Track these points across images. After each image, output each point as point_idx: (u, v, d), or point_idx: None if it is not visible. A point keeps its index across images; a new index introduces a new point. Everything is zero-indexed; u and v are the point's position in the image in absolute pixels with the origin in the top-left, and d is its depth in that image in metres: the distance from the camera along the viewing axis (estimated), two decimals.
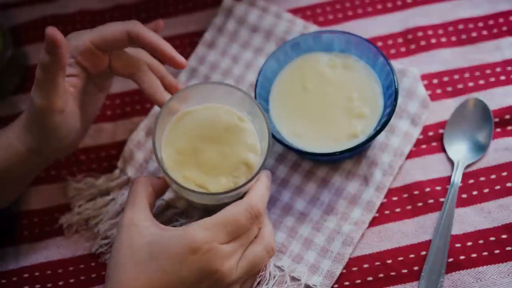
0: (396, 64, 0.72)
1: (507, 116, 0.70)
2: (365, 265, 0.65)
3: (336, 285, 0.65)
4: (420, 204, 0.67)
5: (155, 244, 0.57)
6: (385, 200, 0.68)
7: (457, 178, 0.67)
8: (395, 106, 0.64)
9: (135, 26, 0.62)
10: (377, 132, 0.64)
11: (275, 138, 0.64)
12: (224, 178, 0.62)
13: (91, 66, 0.63)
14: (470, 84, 0.72)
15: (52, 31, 0.56)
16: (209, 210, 0.63)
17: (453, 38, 0.74)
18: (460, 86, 0.72)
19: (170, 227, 0.58)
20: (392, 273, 0.64)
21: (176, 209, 0.69)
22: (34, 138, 0.61)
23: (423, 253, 0.65)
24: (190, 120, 0.64)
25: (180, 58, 0.64)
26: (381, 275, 0.65)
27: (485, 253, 0.64)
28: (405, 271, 0.65)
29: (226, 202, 0.60)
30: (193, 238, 0.56)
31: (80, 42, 0.63)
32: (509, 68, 0.72)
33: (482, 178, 0.68)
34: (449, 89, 0.72)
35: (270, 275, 0.64)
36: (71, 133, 0.62)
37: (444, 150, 0.69)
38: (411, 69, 0.72)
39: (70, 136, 0.63)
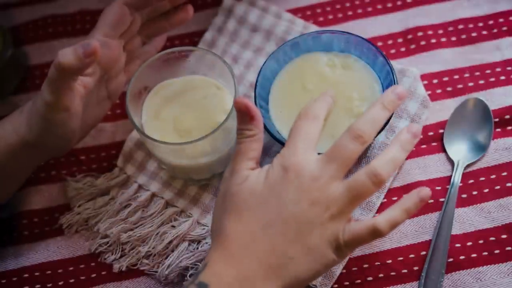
0: (396, 64, 0.72)
1: (507, 116, 0.70)
2: (365, 265, 0.65)
3: (336, 285, 0.65)
4: None
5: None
6: (385, 200, 0.68)
7: (457, 178, 0.67)
8: None
9: None
10: (377, 132, 0.64)
11: (275, 138, 0.64)
12: (200, 142, 0.62)
13: (109, 61, 0.64)
14: (470, 84, 0.72)
15: (95, 45, 0.56)
16: (193, 180, 0.68)
17: (453, 38, 0.74)
18: (460, 86, 0.72)
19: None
20: (392, 273, 0.65)
21: (176, 208, 0.69)
22: (32, 130, 0.61)
23: (423, 253, 0.65)
24: (169, 91, 0.67)
25: None
26: (381, 275, 0.65)
27: (485, 253, 0.64)
28: (405, 271, 0.65)
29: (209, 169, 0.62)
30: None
31: (109, 11, 0.64)
32: (509, 68, 0.72)
33: (482, 178, 0.68)
34: (449, 89, 0.72)
35: None
36: (69, 133, 0.62)
37: (444, 150, 0.69)
38: (411, 69, 0.72)
39: (67, 135, 0.62)
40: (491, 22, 0.75)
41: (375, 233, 0.54)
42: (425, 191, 0.55)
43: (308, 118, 0.58)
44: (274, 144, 0.70)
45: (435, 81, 0.72)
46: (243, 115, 0.57)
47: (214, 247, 0.55)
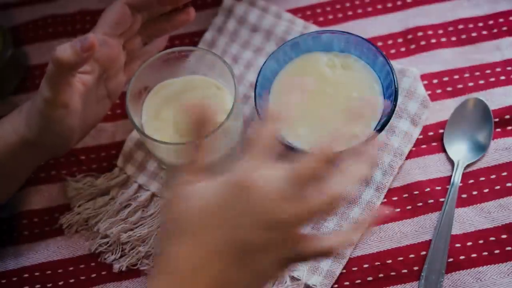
0: (396, 64, 0.72)
1: (507, 116, 0.70)
2: (365, 265, 0.65)
3: (336, 285, 0.65)
4: (420, 204, 0.67)
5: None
6: (385, 200, 0.68)
7: (457, 178, 0.67)
8: (395, 106, 0.64)
9: None
10: (377, 132, 0.64)
11: None
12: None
13: (108, 59, 0.64)
14: (470, 84, 0.72)
15: (93, 39, 0.56)
16: None
17: (453, 38, 0.74)
18: (460, 86, 0.72)
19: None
20: (392, 273, 0.64)
21: None
22: (31, 129, 0.61)
23: (423, 253, 0.65)
24: (169, 91, 0.67)
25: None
26: (381, 275, 0.65)
27: (485, 253, 0.64)
28: (405, 271, 0.64)
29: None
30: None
31: (110, 10, 0.64)
32: (509, 68, 0.72)
33: (482, 178, 0.68)
34: (449, 89, 0.72)
35: None
36: (68, 130, 0.62)
37: (444, 150, 0.69)
38: (411, 69, 0.72)
39: (66, 133, 0.62)
40: (491, 22, 0.75)
41: (327, 255, 0.52)
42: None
43: (263, 124, 0.53)
44: None
45: (435, 81, 0.72)
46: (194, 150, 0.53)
47: (159, 275, 0.51)
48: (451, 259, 0.64)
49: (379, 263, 0.65)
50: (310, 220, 0.50)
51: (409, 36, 0.75)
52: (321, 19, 0.77)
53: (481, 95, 0.71)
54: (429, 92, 0.72)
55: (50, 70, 0.57)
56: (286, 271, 0.53)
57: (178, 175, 0.52)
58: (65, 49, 0.56)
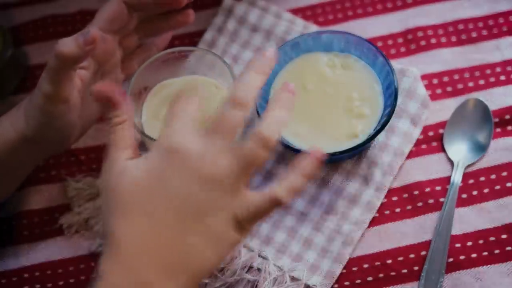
0: (396, 64, 0.72)
1: (507, 116, 0.70)
2: (365, 265, 0.65)
3: (336, 285, 0.65)
4: (420, 204, 0.67)
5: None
6: (385, 200, 0.68)
7: (457, 178, 0.67)
8: (395, 106, 0.64)
9: None
10: (377, 132, 0.64)
11: None
12: None
13: (103, 54, 0.64)
14: (470, 84, 0.72)
15: (96, 33, 0.57)
16: None
17: (453, 38, 0.74)
18: (460, 86, 0.72)
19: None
20: (392, 273, 0.64)
21: None
22: (30, 125, 0.61)
23: (423, 253, 0.65)
24: (169, 91, 0.67)
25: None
26: (381, 275, 0.65)
27: (485, 253, 0.64)
28: (405, 271, 0.64)
29: None
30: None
31: (107, 7, 0.64)
32: (509, 68, 0.72)
33: (482, 178, 0.68)
34: (449, 89, 0.72)
35: (269, 275, 0.64)
36: (68, 126, 0.62)
37: (444, 150, 0.69)
38: (411, 69, 0.72)
39: (66, 128, 0.62)
40: (491, 22, 0.75)
41: (276, 203, 0.50)
42: (318, 151, 0.52)
43: (182, 100, 0.54)
44: None
45: (435, 81, 0.72)
46: (106, 103, 0.54)
47: (107, 255, 0.50)
48: (451, 259, 0.64)
49: (379, 263, 0.65)
50: (245, 168, 0.50)
51: (409, 36, 0.75)
52: (321, 19, 0.77)
53: (481, 95, 0.71)
54: (429, 92, 0.72)
55: (51, 65, 0.57)
56: (245, 233, 0.51)
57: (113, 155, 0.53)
58: (67, 43, 0.57)
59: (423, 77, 0.72)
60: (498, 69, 0.72)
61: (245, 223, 0.51)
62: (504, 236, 0.65)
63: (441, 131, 0.70)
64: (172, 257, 0.49)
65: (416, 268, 0.64)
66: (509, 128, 0.69)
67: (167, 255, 0.49)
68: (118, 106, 0.54)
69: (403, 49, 0.74)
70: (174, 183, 0.50)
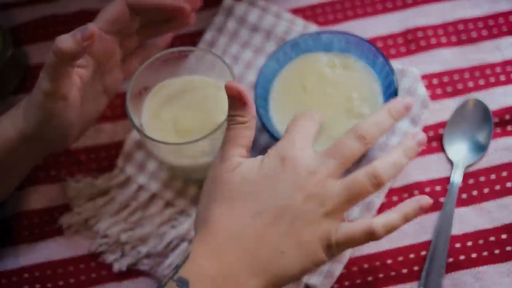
0: (396, 64, 0.72)
1: (507, 116, 0.70)
2: (365, 265, 0.65)
3: (336, 285, 0.65)
4: None
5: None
6: (385, 200, 0.68)
7: (457, 178, 0.67)
8: None
9: None
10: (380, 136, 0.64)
11: (275, 138, 0.64)
12: (200, 142, 0.62)
13: (103, 54, 0.64)
14: (470, 84, 0.72)
15: (93, 28, 0.57)
16: (193, 180, 0.68)
17: (453, 38, 0.74)
18: (460, 86, 0.72)
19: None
20: (392, 273, 0.65)
21: (175, 207, 0.69)
22: (29, 123, 0.61)
23: (423, 253, 0.65)
24: (169, 91, 0.67)
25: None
26: (381, 275, 0.65)
27: (485, 253, 0.64)
28: (405, 271, 0.65)
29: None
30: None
31: (110, 7, 0.64)
32: (509, 68, 0.72)
33: (482, 178, 0.68)
34: (449, 89, 0.72)
35: None
36: (67, 124, 0.62)
37: (444, 150, 0.69)
38: (411, 69, 0.72)
39: (65, 126, 0.62)
40: (491, 22, 0.75)
41: (371, 236, 0.53)
42: (426, 200, 0.55)
43: (306, 117, 0.57)
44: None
45: (435, 81, 0.72)
46: (235, 100, 0.56)
47: (199, 238, 0.53)
48: (451, 259, 0.64)
49: (379, 263, 0.65)
50: (351, 199, 0.53)
51: (409, 36, 0.75)
52: (321, 19, 0.77)
53: (481, 95, 0.71)
54: (429, 92, 0.72)
55: (50, 62, 0.58)
56: (331, 257, 0.53)
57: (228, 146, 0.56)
58: (66, 39, 0.57)
59: (423, 77, 0.72)
60: (498, 69, 0.72)
61: (335, 247, 0.53)
62: (504, 236, 0.65)
63: (441, 131, 0.70)
64: (261, 254, 0.52)
65: (416, 268, 0.64)
66: (509, 128, 0.70)
67: (256, 250, 0.52)
68: (246, 106, 0.56)
69: (403, 49, 0.74)
70: (281, 188, 0.53)
